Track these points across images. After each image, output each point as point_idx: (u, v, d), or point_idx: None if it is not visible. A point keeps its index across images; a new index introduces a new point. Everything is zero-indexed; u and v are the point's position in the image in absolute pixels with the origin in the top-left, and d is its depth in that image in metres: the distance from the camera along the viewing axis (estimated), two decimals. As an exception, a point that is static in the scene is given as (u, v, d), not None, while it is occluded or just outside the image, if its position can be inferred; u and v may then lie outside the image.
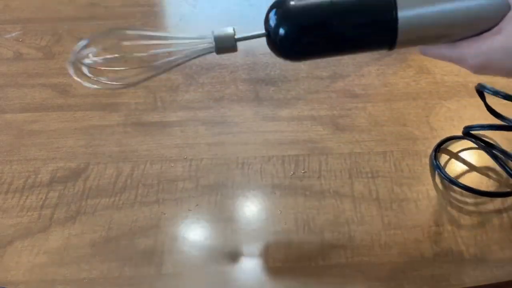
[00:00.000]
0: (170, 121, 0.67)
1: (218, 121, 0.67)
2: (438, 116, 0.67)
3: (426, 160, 0.61)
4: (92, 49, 0.44)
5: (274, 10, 0.41)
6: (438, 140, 0.63)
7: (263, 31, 0.41)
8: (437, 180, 0.59)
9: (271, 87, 0.72)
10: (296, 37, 0.40)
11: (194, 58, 0.43)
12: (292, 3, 0.40)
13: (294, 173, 0.60)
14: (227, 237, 0.53)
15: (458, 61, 0.41)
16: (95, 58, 0.44)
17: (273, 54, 0.83)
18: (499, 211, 0.55)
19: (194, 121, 0.67)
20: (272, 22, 0.40)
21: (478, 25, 0.40)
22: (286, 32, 0.40)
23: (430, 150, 0.62)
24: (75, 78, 0.43)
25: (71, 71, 0.43)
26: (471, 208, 0.56)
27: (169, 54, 0.43)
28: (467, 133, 0.60)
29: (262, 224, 0.54)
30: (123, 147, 0.63)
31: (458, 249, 0.52)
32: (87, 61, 0.43)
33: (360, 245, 0.52)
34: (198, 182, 0.59)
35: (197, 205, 0.56)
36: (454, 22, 0.40)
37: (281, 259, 0.51)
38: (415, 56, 0.78)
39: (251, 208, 0.56)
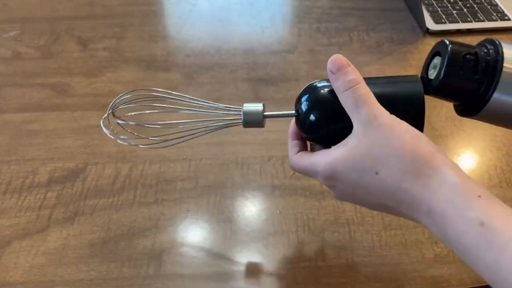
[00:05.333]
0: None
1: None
2: (439, 116, 0.67)
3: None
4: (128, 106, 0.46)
5: (307, 96, 0.42)
6: (439, 141, 0.63)
7: (293, 111, 0.43)
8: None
9: (271, 86, 0.72)
10: (324, 124, 0.41)
11: (221, 128, 0.45)
12: (324, 91, 0.41)
13: (294, 173, 0.59)
14: (227, 238, 0.53)
15: (312, 169, 0.41)
16: (129, 121, 0.46)
17: (273, 53, 0.83)
18: (500, 211, 0.55)
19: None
20: (304, 107, 0.42)
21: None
22: (316, 119, 0.41)
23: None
24: (105, 130, 0.45)
25: (102, 124, 0.46)
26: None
27: (196, 119, 0.46)
28: None
29: (262, 225, 0.54)
30: (121, 147, 0.62)
31: (459, 249, 0.52)
32: (119, 121, 0.46)
33: (360, 246, 0.52)
34: (197, 182, 0.58)
35: (196, 205, 0.56)
36: None
37: (281, 260, 0.51)
38: (416, 55, 0.78)
39: (250, 209, 0.56)
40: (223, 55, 0.78)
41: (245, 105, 0.44)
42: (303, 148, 0.44)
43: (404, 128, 0.37)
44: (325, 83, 0.42)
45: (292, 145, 0.44)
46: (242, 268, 0.50)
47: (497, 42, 0.39)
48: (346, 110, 0.39)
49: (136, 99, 0.47)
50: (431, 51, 0.44)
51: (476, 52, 0.39)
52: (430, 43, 0.81)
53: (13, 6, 0.89)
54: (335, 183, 0.39)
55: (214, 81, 0.73)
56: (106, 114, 0.46)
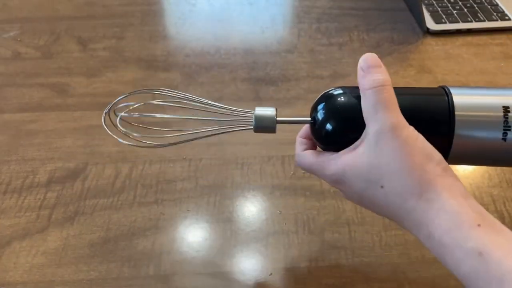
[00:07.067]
0: (169, 121, 0.66)
1: (217, 121, 0.66)
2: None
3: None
4: (129, 103, 0.45)
5: (326, 104, 0.40)
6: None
7: (308, 117, 0.41)
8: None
9: (271, 86, 0.72)
10: (342, 135, 0.39)
11: (230, 132, 0.43)
12: (345, 100, 0.39)
13: (294, 173, 0.59)
14: (227, 238, 0.53)
15: (319, 170, 0.40)
16: (132, 114, 0.44)
17: (273, 53, 0.83)
18: (500, 212, 0.55)
19: (193, 121, 0.66)
20: (321, 116, 0.40)
21: None
22: (334, 130, 0.39)
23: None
24: (107, 130, 0.44)
25: (103, 122, 0.44)
26: (472, 208, 0.55)
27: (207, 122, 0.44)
28: None
29: (262, 225, 0.54)
30: (121, 147, 0.62)
31: (459, 249, 0.51)
32: (122, 114, 0.44)
33: (361, 246, 0.52)
34: (197, 182, 0.58)
35: (196, 205, 0.56)
36: None
37: (281, 260, 0.51)
38: (416, 55, 0.78)
39: (250, 209, 0.56)
40: (223, 55, 0.78)
41: (257, 109, 0.41)
42: (311, 146, 0.44)
43: (419, 145, 0.36)
44: (347, 91, 0.40)
45: (300, 142, 0.44)
46: (242, 268, 0.50)
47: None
48: (363, 110, 0.37)
49: (138, 101, 0.45)
50: None
51: None
52: (430, 43, 0.81)
53: (13, 6, 0.89)
54: (342, 188, 0.39)
55: (214, 81, 0.73)
56: (107, 110, 0.44)
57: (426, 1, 0.88)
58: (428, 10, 0.86)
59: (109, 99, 0.69)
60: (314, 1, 0.91)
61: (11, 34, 0.82)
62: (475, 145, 0.39)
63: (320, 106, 0.41)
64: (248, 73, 0.75)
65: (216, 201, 0.56)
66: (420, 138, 0.36)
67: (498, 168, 0.60)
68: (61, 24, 0.84)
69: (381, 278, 0.49)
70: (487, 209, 0.56)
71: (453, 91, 0.40)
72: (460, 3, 0.88)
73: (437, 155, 0.36)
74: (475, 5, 0.87)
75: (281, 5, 0.93)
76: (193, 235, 0.53)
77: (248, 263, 0.51)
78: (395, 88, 0.38)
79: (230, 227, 0.54)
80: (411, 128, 0.36)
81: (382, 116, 0.36)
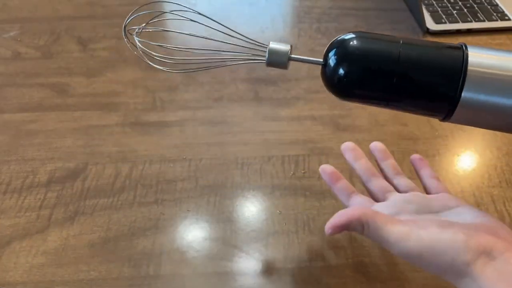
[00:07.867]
0: (169, 121, 0.66)
1: (217, 121, 0.66)
2: (439, 116, 0.67)
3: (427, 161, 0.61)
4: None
5: (335, 50, 0.40)
6: (439, 141, 0.63)
7: (321, 59, 0.41)
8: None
9: (271, 87, 0.72)
10: (352, 81, 0.40)
11: (242, 63, 0.45)
12: (356, 44, 0.39)
13: (294, 173, 0.59)
14: (226, 238, 0.53)
15: None
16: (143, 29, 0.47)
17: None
18: (500, 212, 0.55)
19: (194, 121, 0.66)
20: (332, 61, 0.40)
21: None
22: (344, 74, 0.39)
23: (431, 150, 0.62)
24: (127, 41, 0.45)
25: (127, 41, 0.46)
26: (472, 208, 0.55)
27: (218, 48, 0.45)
28: None
29: (262, 225, 0.54)
30: (121, 147, 0.62)
31: (459, 249, 0.51)
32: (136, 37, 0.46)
33: (360, 246, 0.52)
34: (197, 182, 0.58)
35: (196, 205, 0.56)
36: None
37: (281, 260, 0.51)
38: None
39: (250, 209, 0.56)
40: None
41: (271, 43, 0.42)
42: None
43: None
44: (363, 36, 0.40)
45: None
46: (242, 268, 0.50)
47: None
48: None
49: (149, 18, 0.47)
50: None
51: None
52: (430, 43, 0.81)
53: (13, 6, 0.89)
54: None
55: (214, 81, 0.73)
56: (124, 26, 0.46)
57: (426, 1, 0.88)
58: (428, 10, 0.86)
59: (109, 99, 0.70)
60: (314, 1, 0.91)
61: (11, 34, 0.82)
62: (485, 104, 0.38)
63: (332, 52, 0.40)
64: (248, 73, 0.75)
65: (216, 201, 0.56)
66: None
67: (498, 167, 0.60)
68: (61, 24, 0.84)
69: (381, 279, 0.49)
70: (487, 209, 0.56)
71: (471, 48, 0.39)
72: (460, 3, 0.88)
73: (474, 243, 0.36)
74: (475, 5, 0.87)
75: (281, 5, 0.93)
76: (193, 235, 0.53)
77: (248, 263, 0.51)
78: (411, 39, 0.39)
79: (230, 227, 0.54)
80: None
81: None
